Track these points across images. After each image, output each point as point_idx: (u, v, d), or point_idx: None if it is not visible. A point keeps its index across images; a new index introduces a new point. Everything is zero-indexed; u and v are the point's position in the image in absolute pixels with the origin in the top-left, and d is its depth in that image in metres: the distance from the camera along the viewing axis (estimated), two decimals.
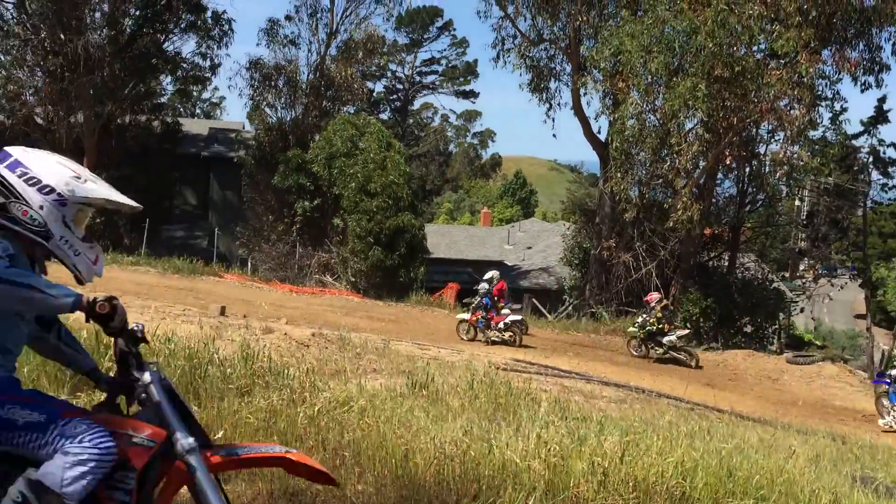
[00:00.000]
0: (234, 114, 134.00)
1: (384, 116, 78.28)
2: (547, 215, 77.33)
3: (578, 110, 29.80)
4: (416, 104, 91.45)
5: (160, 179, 34.21)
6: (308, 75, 35.67)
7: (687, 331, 21.26)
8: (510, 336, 20.11)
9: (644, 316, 20.71)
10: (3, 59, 32.45)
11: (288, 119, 35.14)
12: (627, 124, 24.79)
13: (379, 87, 79.63)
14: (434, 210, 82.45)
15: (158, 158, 34.70)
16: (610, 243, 28.35)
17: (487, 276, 22.42)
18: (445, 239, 47.51)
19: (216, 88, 72.92)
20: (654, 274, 27.14)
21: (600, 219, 29.86)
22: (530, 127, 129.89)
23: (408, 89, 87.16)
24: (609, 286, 28.57)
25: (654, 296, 21.29)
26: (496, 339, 20.08)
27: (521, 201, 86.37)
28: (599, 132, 30.16)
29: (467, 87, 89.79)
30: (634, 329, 20.95)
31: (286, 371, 6.96)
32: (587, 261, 30.84)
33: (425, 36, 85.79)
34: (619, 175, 25.54)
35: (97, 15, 33.04)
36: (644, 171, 26.73)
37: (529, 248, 47.83)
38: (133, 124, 34.65)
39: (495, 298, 21.22)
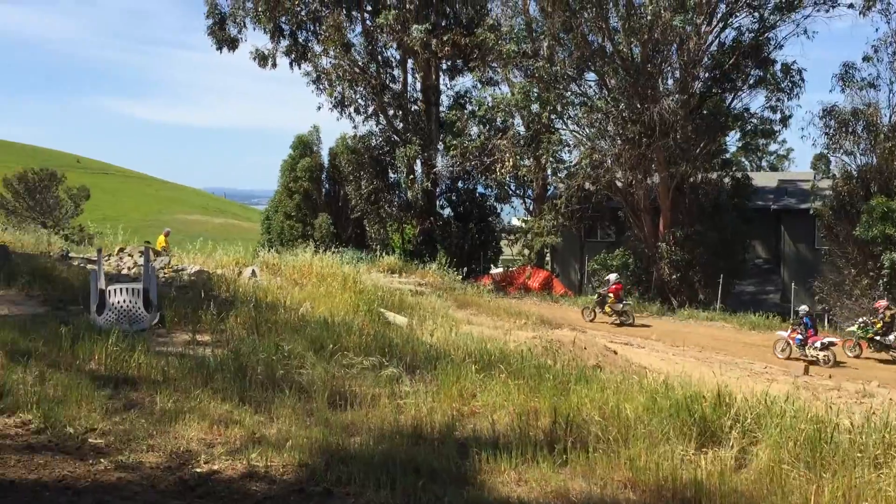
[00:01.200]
0: (803, 164, 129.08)
1: None
2: None
3: None
4: None
5: (731, 235, 34.35)
6: (890, 117, 32.71)
7: None
8: (825, 356, 21.01)
9: (866, 319, 22.83)
10: (588, 131, 36.12)
11: (868, 165, 32.53)
12: None
13: None
14: None
15: (729, 214, 35.00)
16: None
17: (606, 277, 27.37)
18: None
19: (784, 140, 71.11)
20: None
21: None
22: None
23: None
24: None
25: (882, 303, 23.14)
26: (813, 359, 21.03)
27: None
28: None
29: None
30: (855, 329, 22.78)
31: None
32: None
33: None
34: None
35: (669, 82, 35.00)
36: None
37: None
38: (704, 182, 35.48)
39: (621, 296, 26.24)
